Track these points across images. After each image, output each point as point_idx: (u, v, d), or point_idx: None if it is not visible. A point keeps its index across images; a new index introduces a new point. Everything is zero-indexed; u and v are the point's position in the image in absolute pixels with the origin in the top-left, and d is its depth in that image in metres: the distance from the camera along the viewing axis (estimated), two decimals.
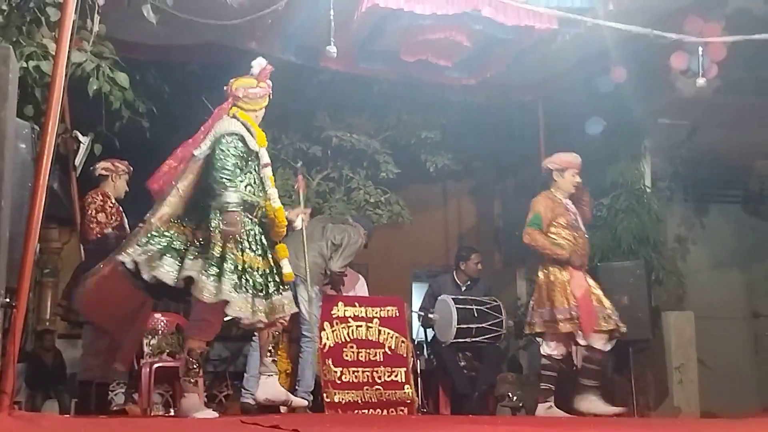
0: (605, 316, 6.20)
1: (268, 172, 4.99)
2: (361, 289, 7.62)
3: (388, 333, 6.98)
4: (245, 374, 6.52)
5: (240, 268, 4.70)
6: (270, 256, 4.91)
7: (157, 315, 6.53)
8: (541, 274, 6.35)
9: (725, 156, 9.36)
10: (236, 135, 4.84)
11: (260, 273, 4.81)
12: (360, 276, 7.75)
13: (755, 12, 7.87)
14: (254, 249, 4.83)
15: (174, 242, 4.73)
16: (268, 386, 5.08)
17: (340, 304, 6.91)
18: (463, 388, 7.33)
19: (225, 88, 5.07)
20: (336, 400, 6.59)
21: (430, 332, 7.71)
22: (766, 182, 10.20)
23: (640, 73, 7.47)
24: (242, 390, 6.50)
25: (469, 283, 7.78)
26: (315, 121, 7.99)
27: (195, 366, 4.82)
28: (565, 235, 6.33)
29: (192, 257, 4.68)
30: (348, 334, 6.84)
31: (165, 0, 5.49)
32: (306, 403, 5.98)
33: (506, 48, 7.09)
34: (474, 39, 6.72)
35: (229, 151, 4.77)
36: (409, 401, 6.87)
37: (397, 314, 7.11)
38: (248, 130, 4.96)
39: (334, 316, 6.83)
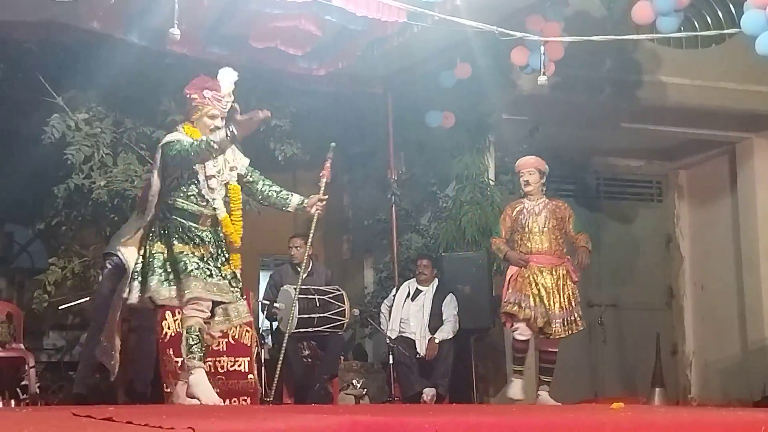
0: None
1: None
2: None
3: None
4: (79, 364, 6.30)
5: None
6: None
7: None
8: None
9: (564, 152, 9.74)
10: None
11: None
12: None
13: (593, 14, 8.22)
14: None
15: None
16: None
17: None
18: (302, 378, 7.31)
19: None
20: None
21: (274, 322, 7.64)
22: (601, 177, 10.71)
23: (486, 69, 7.66)
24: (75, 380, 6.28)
25: (310, 270, 7.70)
26: (160, 105, 7.74)
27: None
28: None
29: None
30: None
31: None
32: None
33: (356, 39, 7.12)
34: (324, 29, 6.71)
35: None
36: (252, 391, 6.79)
37: None
38: None
39: None
